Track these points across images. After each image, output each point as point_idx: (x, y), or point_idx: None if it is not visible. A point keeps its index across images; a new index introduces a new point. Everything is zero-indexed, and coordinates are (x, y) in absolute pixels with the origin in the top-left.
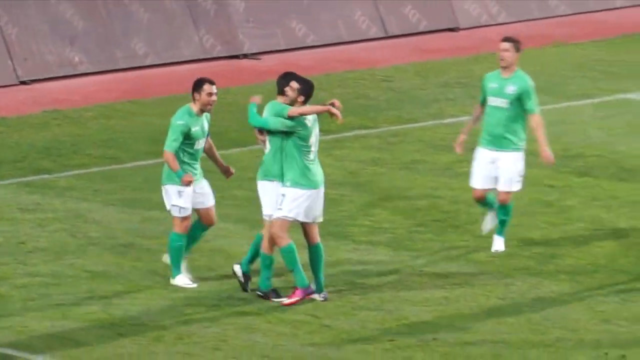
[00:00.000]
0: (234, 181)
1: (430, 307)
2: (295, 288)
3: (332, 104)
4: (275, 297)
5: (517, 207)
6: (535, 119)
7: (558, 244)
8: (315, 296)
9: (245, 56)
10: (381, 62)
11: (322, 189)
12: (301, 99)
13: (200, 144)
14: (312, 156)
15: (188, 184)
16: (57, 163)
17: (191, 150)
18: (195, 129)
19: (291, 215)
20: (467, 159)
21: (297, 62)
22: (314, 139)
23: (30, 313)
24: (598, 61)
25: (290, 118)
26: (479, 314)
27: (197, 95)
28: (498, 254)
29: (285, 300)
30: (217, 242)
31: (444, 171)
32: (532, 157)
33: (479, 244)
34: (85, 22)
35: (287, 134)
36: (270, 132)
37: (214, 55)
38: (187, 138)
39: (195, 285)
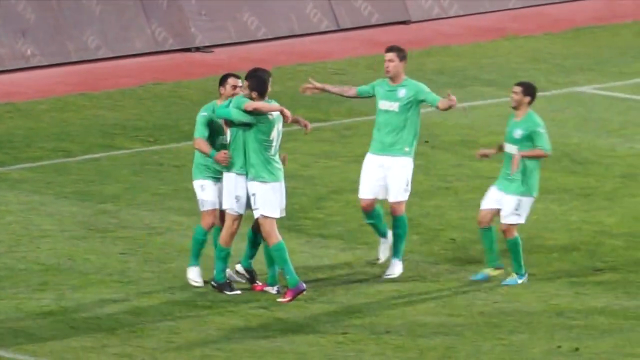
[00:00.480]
0: (187, 174)
1: (383, 300)
2: (286, 288)
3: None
4: (229, 290)
5: (470, 200)
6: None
7: None
8: (269, 289)
9: (197, 49)
10: (333, 55)
11: (283, 183)
12: (254, 94)
13: (225, 138)
14: (272, 151)
15: (224, 159)
16: (10, 156)
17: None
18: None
19: (274, 214)
20: (420, 152)
21: (249, 55)
22: (275, 133)
23: None
24: (550, 54)
25: (248, 112)
26: (432, 307)
27: (222, 89)
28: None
29: (281, 299)
30: (169, 235)
31: None
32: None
33: (432, 236)
34: (36, 15)
35: (248, 126)
36: (233, 124)
37: (166, 48)
38: (212, 132)
39: (200, 284)
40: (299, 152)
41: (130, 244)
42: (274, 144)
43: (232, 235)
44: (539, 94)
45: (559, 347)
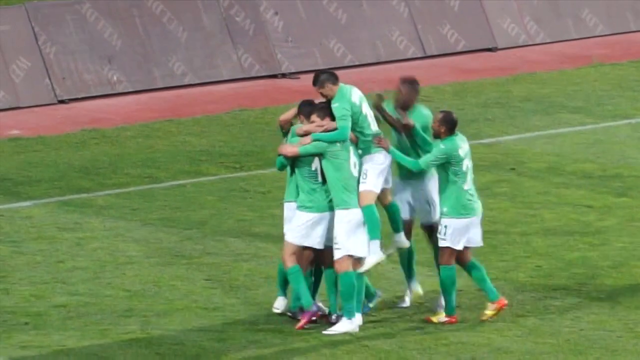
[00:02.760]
0: (273, 200)
1: (469, 327)
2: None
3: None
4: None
5: (556, 228)
6: None
7: (596, 265)
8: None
9: (283, 75)
10: (420, 81)
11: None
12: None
13: None
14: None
15: None
16: (96, 182)
17: None
18: None
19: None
20: (506, 179)
21: None
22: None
23: (69, 332)
24: (636, 81)
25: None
26: (517, 334)
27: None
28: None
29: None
30: (255, 261)
31: (482, 191)
32: (571, 176)
33: (518, 264)
34: (123, 41)
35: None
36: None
37: (252, 74)
38: None
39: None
40: None
41: (216, 271)
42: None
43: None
44: (624, 120)
45: None
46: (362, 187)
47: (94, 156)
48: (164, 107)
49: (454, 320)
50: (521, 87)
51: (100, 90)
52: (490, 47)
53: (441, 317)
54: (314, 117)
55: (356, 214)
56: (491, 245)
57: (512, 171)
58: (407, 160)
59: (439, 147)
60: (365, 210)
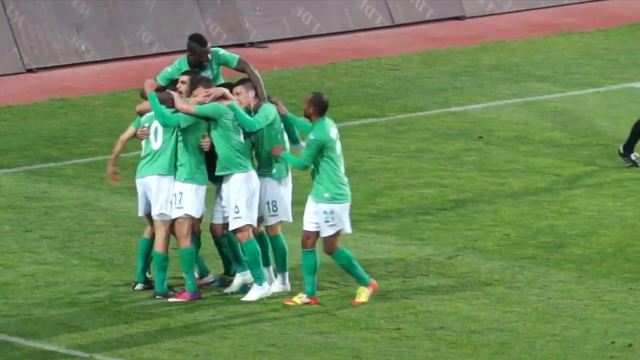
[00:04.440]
0: None
1: (437, 296)
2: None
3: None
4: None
5: (524, 196)
6: None
7: (565, 233)
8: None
9: (251, 44)
10: (388, 50)
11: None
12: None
13: None
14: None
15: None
16: (64, 151)
17: None
18: None
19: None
20: (474, 147)
21: (303, 50)
22: None
23: (37, 301)
24: (604, 50)
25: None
26: (486, 303)
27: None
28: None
29: (172, 299)
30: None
31: (450, 160)
32: (539, 145)
33: (486, 233)
34: (91, 10)
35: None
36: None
37: (220, 43)
38: None
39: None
40: (353, 148)
41: None
42: None
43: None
44: (592, 89)
45: (613, 343)
46: (274, 220)
47: (63, 125)
48: (132, 76)
49: (314, 301)
50: (489, 56)
51: (69, 59)
52: (458, 15)
53: (303, 298)
54: (198, 90)
55: (254, 177)
56: (459, 214)
57: (480, 140)
58: (295, 160)
59: (309, 139)
60: (275, 240)
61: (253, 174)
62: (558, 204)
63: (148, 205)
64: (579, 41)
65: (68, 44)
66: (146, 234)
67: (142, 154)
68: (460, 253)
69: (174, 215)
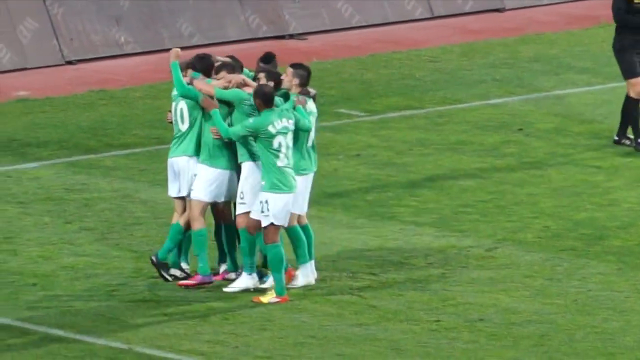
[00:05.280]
0: None
1: (477, 288)
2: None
3: None
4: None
5: (564, 188)
6: None
7: (604, 225)
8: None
9: (291, 36)
10: (427, 42)
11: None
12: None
13: None
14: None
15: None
16: (103, 143)
17: None
18: None
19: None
20: (513, 139)
21: (343, 42)
22: None
23: (76, 293)
24: None
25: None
26: (526, 295)
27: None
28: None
29: (182, 282)
30: None
31: (490, 152)
32: (579, 137)
33: (526, 225)
34: (131, 2)
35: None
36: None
37: (260, 35)
38: None
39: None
40: (393, 140)
41: None
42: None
43: None
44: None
45: None
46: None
47: (102, 117)
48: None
49: (284, 300)
50: (529, 48)
51: (108, 51)
52: (497, 7)
53: (271, 297)
54: (221, 74)
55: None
56: (499, 206)
57: (519, 132)
58: (222, 126)
59: (246, 121)
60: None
61: None
62: (597, 195)
63: (178, 185)
64: None
65: (107, 36)
66: (174, 219)
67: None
68: (499, 245)
69: (190, 196)
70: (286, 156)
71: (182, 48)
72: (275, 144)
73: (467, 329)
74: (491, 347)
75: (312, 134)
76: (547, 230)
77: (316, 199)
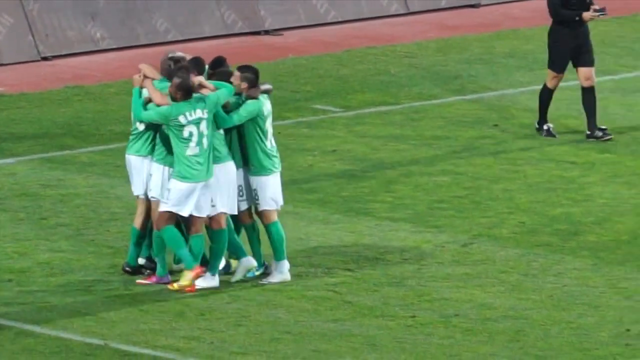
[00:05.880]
0: None
1: (452, 283)
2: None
3: None
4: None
5: (539, 184)
6: None
7: (580, 221)
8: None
9: (266, 32)
10: (402, 38)
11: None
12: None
13: None
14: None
15: None
16: (79, 139)
17: None
18: None
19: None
20: (489, 135)
21: (319, 38)
22: None
23: (52, 289)
24: (619, 37)
25: None
26: (501, 290)
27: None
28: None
29: (140, 281)
30: None
31: (465, 147)
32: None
33: (501, 220)
34: None
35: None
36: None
37: (235, 31)
38: None
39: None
40: (368, 135)
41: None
42: None
43: None
44: (607, 77)
45: (628, 330)
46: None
47: (77, 113)
48: (147, 64)
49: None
50: (504, 43)
51: (84, 47)
52: (473, 3)
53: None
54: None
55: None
56: (474, 201)
57: (495, 127)
58: (137, 106)
59: (160, 108)
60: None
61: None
62: (573, 191)
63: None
64: (594, 29)
65: (83, 32)
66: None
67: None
68: (475, 241)
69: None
70: (198, 145)
71: (158, 44)
72: (186, 134)
73: (443, 324)
74: (467, 343)
75: (269, 134)
76: (522, 225)
77: (292, 195)
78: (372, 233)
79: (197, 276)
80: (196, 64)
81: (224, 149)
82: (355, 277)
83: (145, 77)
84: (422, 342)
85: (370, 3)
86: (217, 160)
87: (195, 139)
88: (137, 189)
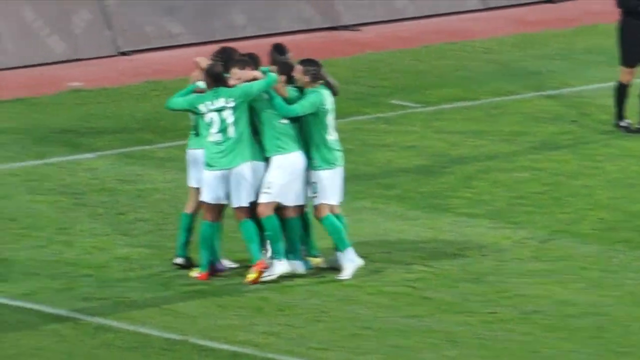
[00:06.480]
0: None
1: (532, 280)
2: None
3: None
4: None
5: (619, 180)
6: None
7: None
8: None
9: (344, 27)
10: (481, 34)
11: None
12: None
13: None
14: None
15: None
16: (157, 134)
17: None
18: None
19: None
20: (568, 131)
21: (396, 33)
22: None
23: (131, 284)
24: None
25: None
26: (581, 287)
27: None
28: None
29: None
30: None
31: (544, 143)
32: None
33: (581, 216)
34: None
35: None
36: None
37: (313, 26)
38: None
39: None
40: (446, 131)
41: None
42: None
43: None
44: None
45: None
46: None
47: (155, 108)
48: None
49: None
50: (583, 39)
51: (161, 42)
52: None
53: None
54: (234, 70)
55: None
56: (554, 197)
57: (574, 123)
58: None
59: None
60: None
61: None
62: None
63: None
64: None
65: (161, 27)
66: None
67: None
68: (554, 237)
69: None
70: (220, 132)
71: (235, 39)
72: (207, 119)
73: (523, 320)
74: (547, 339)
75: (331, 128)
76: (602, 222)
77: (370, 191)
78: (450, 229)
79: (261, 270)
80: (252, 59)
81: (287, 140)
82: (434, 273)
83: (201, 69)
84: (502, 339)
85: None
86: (278, 151)
87: (217, 125)
88: (194, 181)
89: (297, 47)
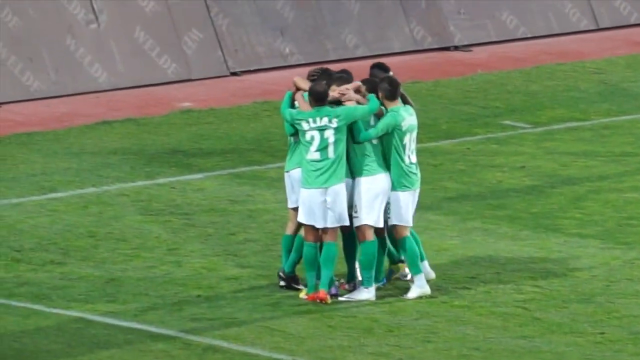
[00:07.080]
0: (444, 173)
1: None
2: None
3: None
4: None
5: None
6: None
7: None
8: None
9: (456, 48)
10: (592, 54)
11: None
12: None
13: None
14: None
15: None
16: (268, 154)
17: None
18: None
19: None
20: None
21: (508, 53)
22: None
23: (240, 304)
24: None
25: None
26: None
27: None
28: None
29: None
30: (427, 234)
31: None
32: None
33: None
34: (295, 13)
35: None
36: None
37: (425, 47)
38: None
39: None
40: (557, 152)
41: None
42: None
43: None
44: None
45: None
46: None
47: (266, 128)
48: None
49: (310, 298)
50: None
51: (273, 62)
52: None
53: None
54: (333, 87)
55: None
56: None
57: None
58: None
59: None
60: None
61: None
62: None
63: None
64: None
65: (272, 47)
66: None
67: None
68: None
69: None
70: (319, 151)
71: (347, 60)
72: (308, 137)
73: (632, 341)
74: None
75: (408, 150)
76: None
77: (480, 211)
78: (560, 249)
79: (320, 298)
80: (348, 75)
81: (372, 162)
82: (544, 293)
83: (297, 89)
84: (611, 359)
85: (560, 19)
86: (365, 172)
87: (316, 144)
88: (292, 202)
89: (408, 67)
